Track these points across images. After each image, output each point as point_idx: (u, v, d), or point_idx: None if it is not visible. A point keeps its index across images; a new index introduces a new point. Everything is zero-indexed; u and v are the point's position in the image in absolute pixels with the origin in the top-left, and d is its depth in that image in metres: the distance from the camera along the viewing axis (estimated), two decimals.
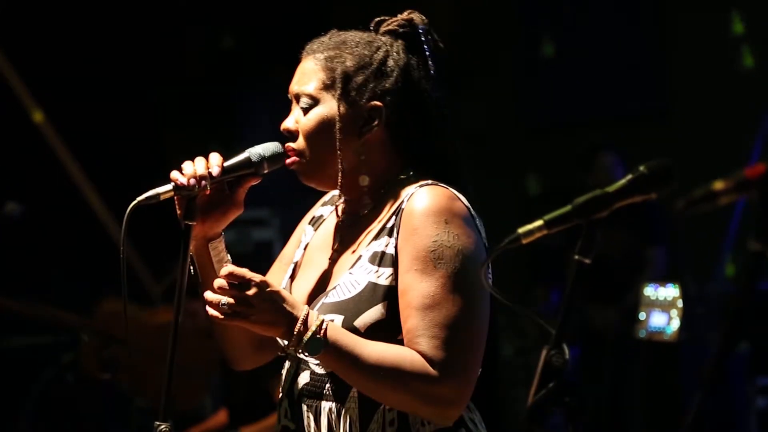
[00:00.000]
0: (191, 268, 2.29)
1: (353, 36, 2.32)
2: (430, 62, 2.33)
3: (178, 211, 2.24)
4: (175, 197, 2.23)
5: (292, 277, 2.41)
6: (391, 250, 2.19)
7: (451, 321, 2.12)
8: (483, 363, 2.24)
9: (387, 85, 2.27)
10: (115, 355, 4.49)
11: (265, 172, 2.29)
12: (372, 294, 2.18)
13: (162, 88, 8.04)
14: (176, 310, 2.18)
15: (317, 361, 2.22)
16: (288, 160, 2.29)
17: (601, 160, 6.62)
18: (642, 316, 5.92)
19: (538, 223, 1.83)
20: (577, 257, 1.81)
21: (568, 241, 5.97)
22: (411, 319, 2.13)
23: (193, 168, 2.22)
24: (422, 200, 2.18)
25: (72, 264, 7.01)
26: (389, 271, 2.18)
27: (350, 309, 2.18)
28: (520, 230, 1.82)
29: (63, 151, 6.98)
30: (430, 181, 2.23)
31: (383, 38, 2.32)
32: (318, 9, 7.98)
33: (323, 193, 2.44)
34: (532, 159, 7.93)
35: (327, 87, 2.27)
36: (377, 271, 2.19)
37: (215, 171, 2.23)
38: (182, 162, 2.25)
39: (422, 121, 2.29)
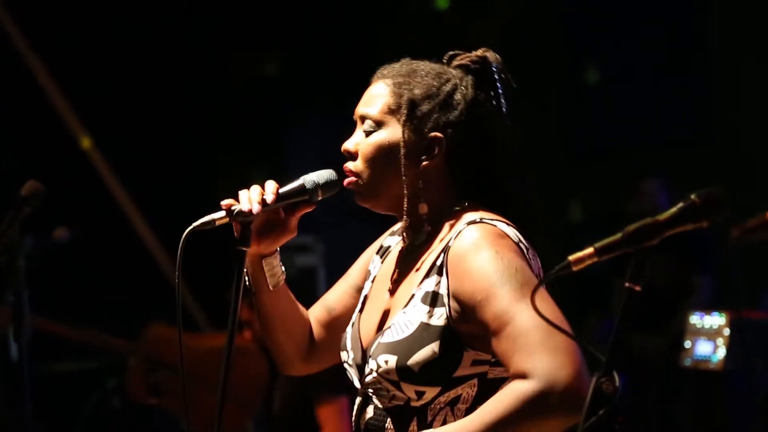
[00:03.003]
0: (246, 281, 2.36)
1: (424, 66, 2.35)
2: (502, 100, 2.35)
3: (236, 234, 2.30)
4: (232, 223, 2.29)
5: (361, 311, 2.45)
6: (442, 290, 2.20)
7: (524, 327, 2.06)
8: None
9: (451, 117, 2.30)
10: (161, 379, 4.52)
11: (319, 199, 2.34)
12: (424, 334, 2.19)
13: (210, 114, 8.10)
14: (230, 335, 2.22)
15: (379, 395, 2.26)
16: (345, 181, 2.34)
17: (644, 187, 6.59)
18: (687, 344, 5.87)
19: (589, 250, 1.83)
20: (627, 285, 1.82)
21: (612, 268, 5.94)
22: (497, 349, 2.11)
23: (249, 195, 2.28)
24: (469, 240, 2.18)
25: (119, 289, 7.06)
26: (442, 310, 2.19)
27: (403, 349, 2.20)
28: (571, 258, 1.82)
29: (110, 176, 7.03)
30: (477, 218, 2.23)
31: (454, 71, 2.35)
32: (362, 36, 8.02)
33: (372, 216, 2.45)
34: (576, 185, 7.90)
35: (392, 111, 2.31)
36: (429, 311, 2.20)
37: (270, 198, 2.29)
38: (231, 187, 2.31)
39: (482, 157, 2.31)
